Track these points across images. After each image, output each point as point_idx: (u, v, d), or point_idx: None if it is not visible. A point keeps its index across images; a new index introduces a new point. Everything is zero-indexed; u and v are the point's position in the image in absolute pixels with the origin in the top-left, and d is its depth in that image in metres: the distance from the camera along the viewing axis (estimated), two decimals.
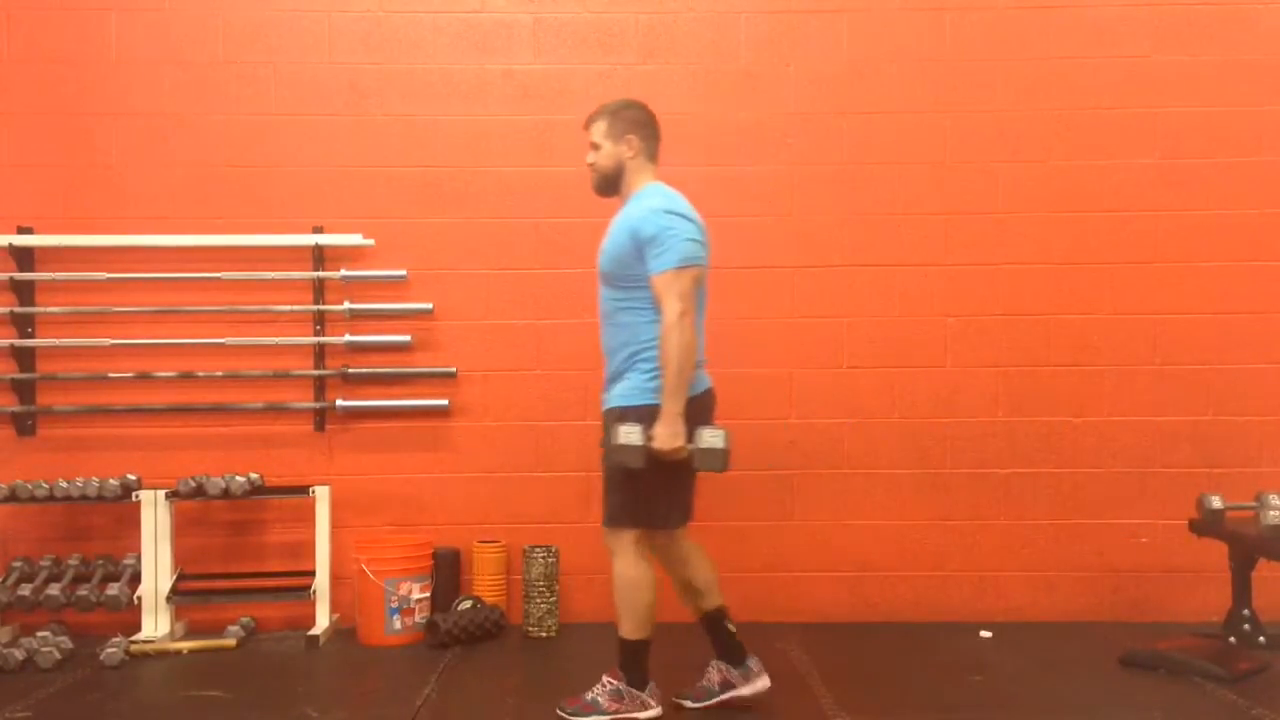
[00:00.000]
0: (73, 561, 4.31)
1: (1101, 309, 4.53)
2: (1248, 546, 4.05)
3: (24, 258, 4.42)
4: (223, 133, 4.49)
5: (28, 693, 3.57)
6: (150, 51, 4.48)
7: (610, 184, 3.39)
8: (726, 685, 3.37)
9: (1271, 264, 4.53)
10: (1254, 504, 4.05)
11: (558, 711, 3.31)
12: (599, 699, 3.28)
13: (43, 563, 4.30)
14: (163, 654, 4.04)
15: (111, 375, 4.40)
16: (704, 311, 3.33)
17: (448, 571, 4.40)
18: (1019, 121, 4.55)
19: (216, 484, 4.23)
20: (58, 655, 3.87)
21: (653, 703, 3.29)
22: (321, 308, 4.47)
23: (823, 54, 4.55)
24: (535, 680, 3.83)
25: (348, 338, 4.46)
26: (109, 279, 4.40)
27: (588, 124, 3.39)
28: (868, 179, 4.55)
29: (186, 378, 4.42)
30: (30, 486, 4.19)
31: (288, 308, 4.46)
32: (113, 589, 4.18)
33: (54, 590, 4.13)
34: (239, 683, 3.69)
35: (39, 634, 3.96)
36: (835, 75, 4.55)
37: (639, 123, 3.36)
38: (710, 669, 3.40)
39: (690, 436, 3.11)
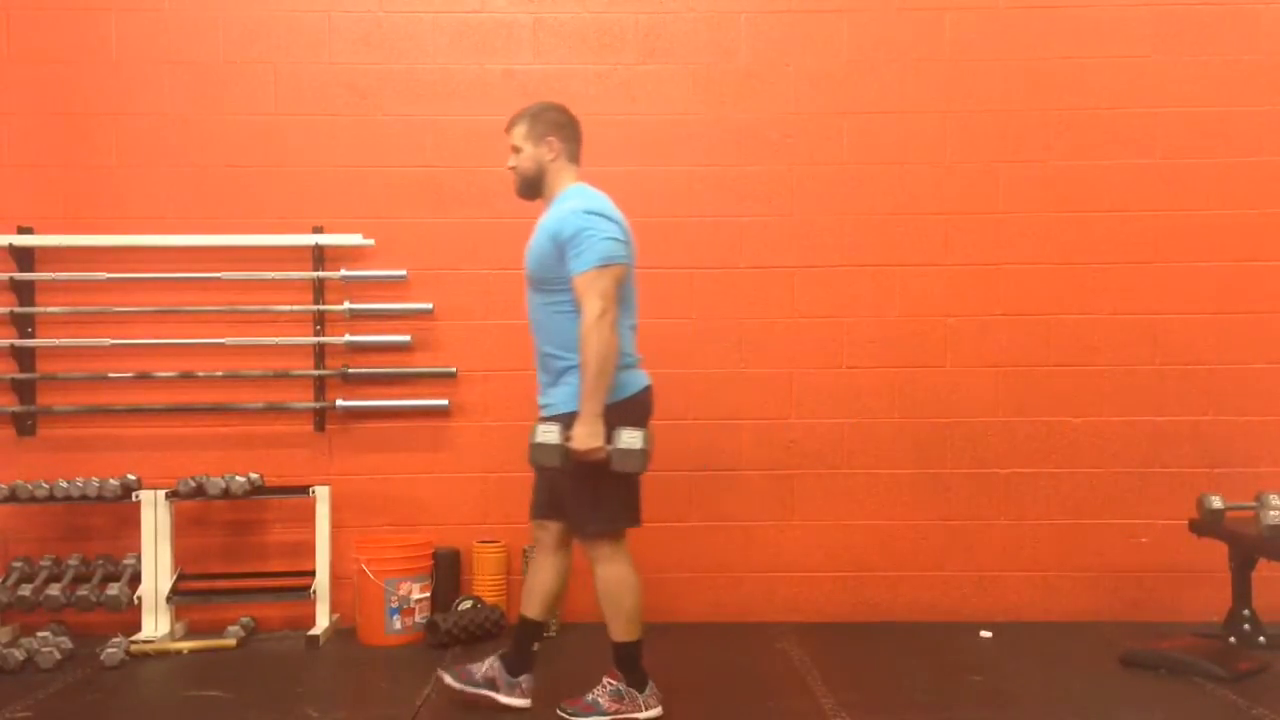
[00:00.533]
0: (73, 561, 4.31)
1: (1101, 309, 4.53)
2: (1248, 546, 4.05)
3: (24, 258, 4.42)
4: (223, 133, 4.49)
5: (28, 693, 3.57)
6: (150, 51, 4.48)
7: (533, 187, 3.39)
8: (490, 683, 3.36)
9: (1271, 264, 4.53)
10: (1254, 504, 4.05)
11: (558, 712, 3.31)
12: (599, 700, 3.28)
13: (43, 563, 4.30)
14: (163, 654, 4.04)
15: (111, 375, 4.40)
16: (634, 311, 3.36)
17: (448, 571, 4.40)
18: (1019, 121, 4.55)
19: (216, 484, 4.23)
20: (58, 655, 3.87)
21: (653, 702, 3.30)
22: (321, 308, 4.47)
23: (823, 54, 4.55)
24: (535, 680, 3.82)
25: (348, 338, 4.47)
26: (109, 279, 4.40)
27: (508, 128, 3.38)
28: (868, 179, 4.55)
29: (186, 378, 4.42)
30: (30, 486, 4.19)
31: (288, 308, 4.46)
32: (113, 589, 4.18)
33: (54, 590, 4.13)
34: (239, 683, 3.70)
35: (39, 634, 3.96)
36: (835, 75, 4.55)
37: (559, 125, 3.36)
38: (486, 662, 3.39)
39: (611, 437, 3.10)
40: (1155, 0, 4.54)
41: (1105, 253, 4.53)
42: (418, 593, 4.27)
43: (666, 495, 4.50)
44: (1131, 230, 4.54)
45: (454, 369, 4.49)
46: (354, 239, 4.46)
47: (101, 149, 4.47)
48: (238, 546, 4.47)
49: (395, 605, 4.21)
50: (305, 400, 4.47)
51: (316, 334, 4.47)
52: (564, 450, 3.10)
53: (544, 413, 3.29)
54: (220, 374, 4.44)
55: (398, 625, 4.22)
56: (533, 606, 3.42)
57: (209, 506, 4.42)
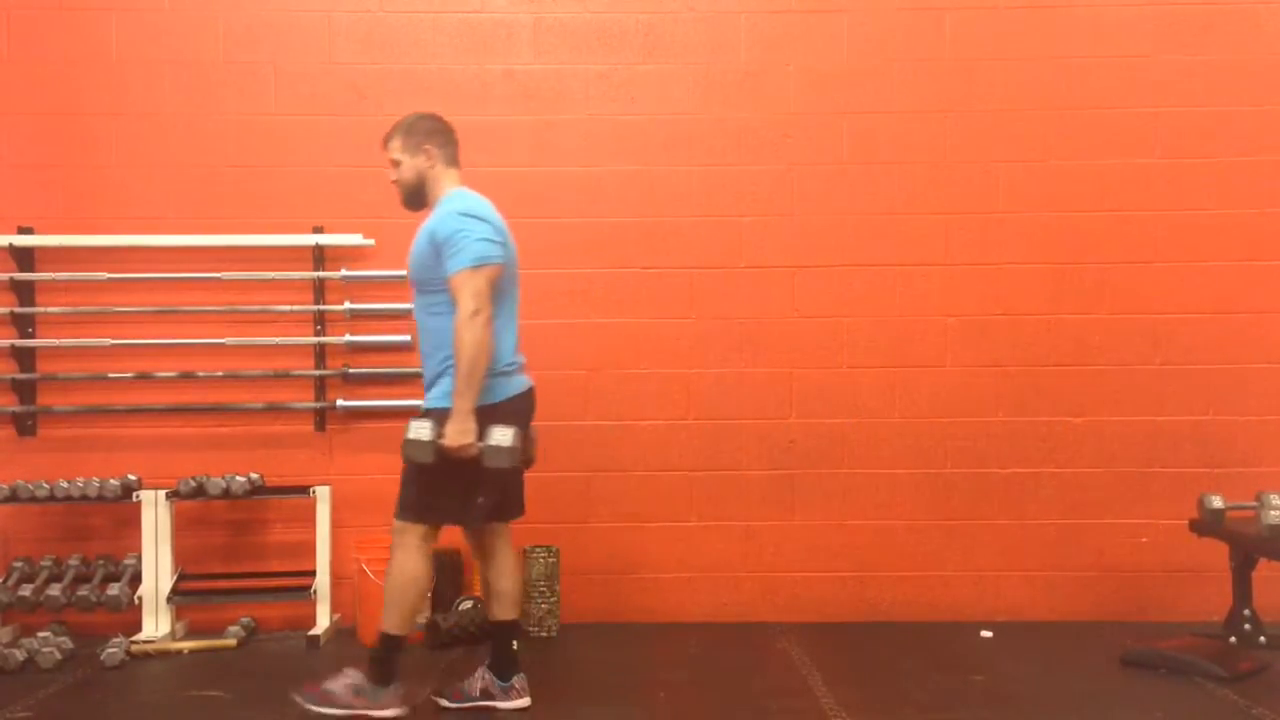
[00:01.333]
0: (73, 562, 4.31)
1: (1101, 309, 4.53)
2: (1248, 546, 4.05)
3: (24, 258, 4.42)
4: (223, 133, 4.48)
5: (28, 693, 3.57)
6: (150, 51, 4.48)
7: (417, 197, 3.42)
8: (486, 695, 3.38)
9: (1271, 264, 4.53)
10: (1254, 504, 4.04)
11: (292, 694, 3.29)
12: (337, 690, 3.24)
13: (43, 563, 4.30)
14: (163, 654, 4.04)
15: (111, 375, 4.40)
16: (514, 313, 3.38)
17: (448, 571, 4.40)
18: (1019, 121, 4.55)
19: (217, 484, 4.23)
20: (58, 655, 3.87)
21: (395, 703, 3.25)
22: (322, 308, 4.47)
23: (823, 54, 4.55)
24: (535, 680, 3.81)
25: (348, 338, 4.47)
26: (109, 279, 4.40)
27: (384, 143, 3.41)
28: (868, 179, 4.55)
29: (186, 378, 4.42)
30: (30, 486, 4.19)
31: (288, 308, 4.46)
32: (113, 589, 4.18)
33: (55, 590, 4.13)
34: (239, 683, 3.70)
35: (40, 634, 3.96)
36: (835, 75, 4.55)
37: (433, 132, 3.39)
38: (476, 675, 3.41)
39: (483, 434, 3.12)
40: (1155, 0, 4.54)
41: (1105, 253, 4.53)
42: None
43: (666, 495, 4.51)
44: (1131, 230, 4.54)
45: None
46: (354, 239, 4.46)
47: (101, 149, 4.47)
48: (238, 546, 4.47)
49: None
50: (305, 400, 4.47)
51: (317, 334, 4.47)
52: (436, 447, 3.12)
53: (424, 405, 3.32)
54: (220, 374, 4.44)
55: None
56: (503, 609, 3.44)
57: (209, 506, 4.42)
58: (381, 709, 3.23)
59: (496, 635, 3.45)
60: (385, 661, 3.26)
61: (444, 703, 3.41)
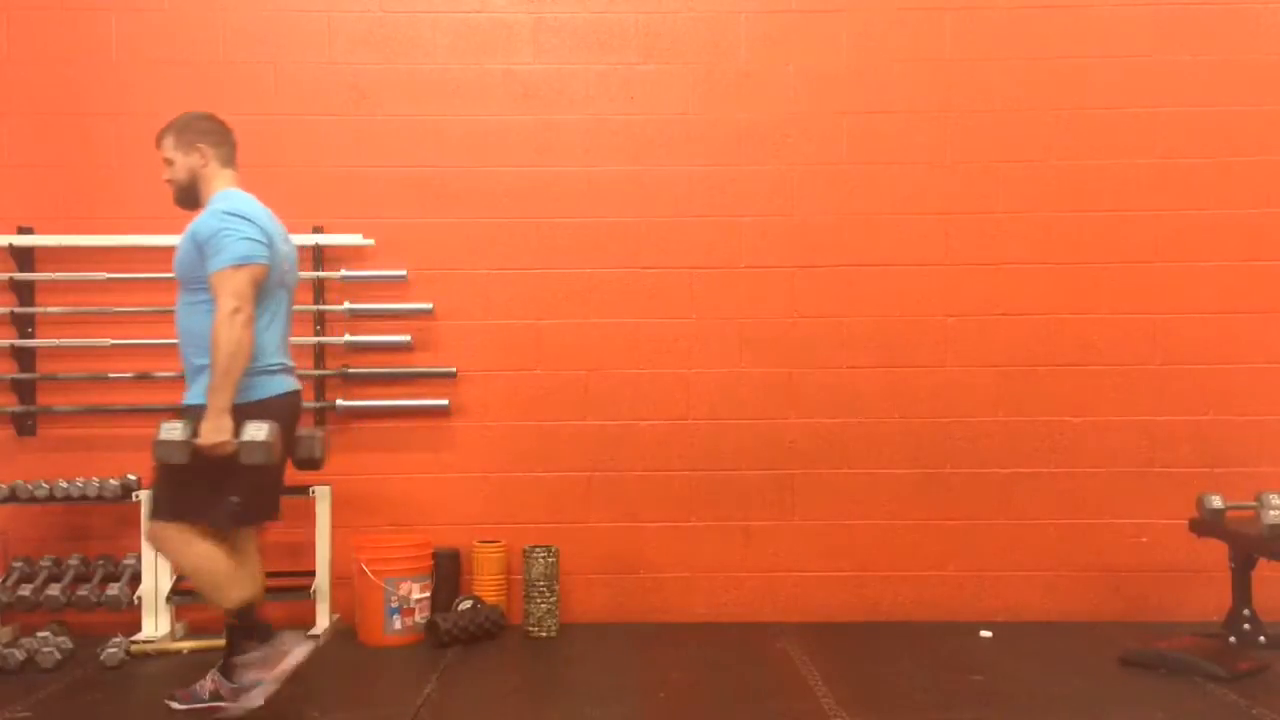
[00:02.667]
0: (73, 562, 4.31)
1: (1101, 309, 4.53)
2: (1248, 546, 4.05)
3: (24, 258, 4.43)
4: None
5: (28, 693, 3.57)
6: (150, 51, 4.48)
7: (189, 196, 3.39)
8: (215, 696, 3.35)
9: (1271, 264, 4.53)
10: (1254, 504, 4.04)
11: (166, 700, 3.35)
12: (204, 687, 3.31)
13: (43, 563, 4.30)
14: (163, 654, 4.05)
15: (111, 375, 4.40)
16: (284, 315, 3.37)
17: (448, 571, 4.41)
18: (1019, 121, 4.55)
19: None
20: (58, 655, 3.87)
21: (257, 695, 3.25)
22: (321, 308, 4.47)
23: (823, 54, 4.55)
24: (535, 680, 3.83)
25: (348, 338, 4.47)
26: (109, 279, 4.40)
27: (158, 142, 3.40)
28: (868, 179, 4.55)
29: None
30: (30, 486, 4.19)
31: None
32: (113, 589, 4.18)
33: (54, 590, 4.14)
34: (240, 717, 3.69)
35: (39, 634, 3.96)
36: (835, 75, 4.55)
37: (207, 132, 3.38)
38: (206, 677, 3.39)
39: (238, 431, 3.11)
40: (1155, 0, 4.54)
41: (1105, 253, 4.53)
42: (418, 593, 4.27)
43: (666, 495, 4.51)
44: (1131, 230, 4.54)
45: (454, 369, 4.49)
46: (354, 239, 4.46)
47: (101, 149, 4.47)
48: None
49: (395, 605, 4.21)
50: (305, 400, 4.45)
51: (316, 334, 4.47)
52: (190, 446, 3.10)
53: (183, 403, 3.30)
54: None
55: (398, 625, 4.22)
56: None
57: None
58: (242, 701, 3.24)
59: (228, 637, 3.40)
60: (248, 632, 3.26)
61: (174, 704, 3.39)
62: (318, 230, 4.46)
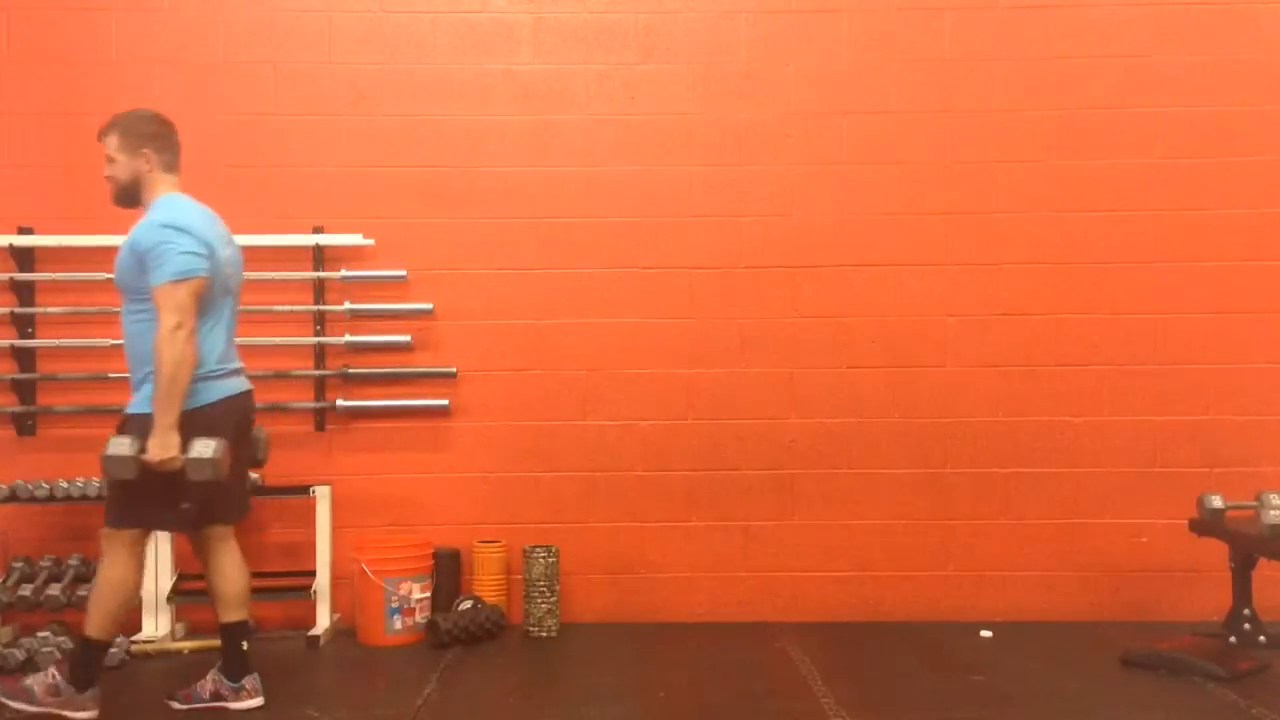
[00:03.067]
0: (73, 562, 4.31)
1: (1101, 309, 4.53)
2: (1248, 546, 4.05)
3: (24, 258, 4.43)
4: (223, 133, 4.48)
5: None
6: (150, 51, 4.48)
7: (129, 197, 3.37)
8: (216, 696, 3.39)
9: (1271, 264, 4.53)
10: (1254, 504, 4.04)
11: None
12: (34, 688, 3.26)
13: (43, 563, 4.29)
14: (163, 654, 4.05)
15: (111, 375, 4.39)
16: (228, 319, 3.36)
17: (448, 571, 4.40)
18: (1019, 121, 4.55)
19: None
20: (58, 655, 3.86)
21: (90, 705, 3.26)
22: (322, 308, 4.47)
23: (823, 54, 4.55)
24: (535, 680, 3.83)
25: (348, 338, 4.47)
26: (109, 279, 4.38)
27: (101, 136, 3.36)
28: (868, 179, 4.55)
29: None
30: (30, 486, 4.19)
31: (288, 308, 4.46)
32: None
33: (54, 590, 4.13)
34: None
35: (39, 634, 3.96)
36: (835, 75, 4.55)
37: (153, 135, 3.35)
38: (207, 677, 3.41)
39: (186, 447, 3.12)
40: (1155, 0, 4.54)
41: (1105, 253, 4.53)
42: (418, 593, 4.27)
43: (666, 495, 4.51)
44: (1131, 230, 4.54)
45: (454, 369, 4.49)
46: (354, 239, 4.46)
47: (101, 149, 4.45)
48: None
49: (395, 605, 4.21)
50: (305, 400, 4.47)
51: (316, 334, 4.47)
52: (137, 462, 3.12)
53: (124, 415, 3.32)
54: None
55: (398, 625, 4.22)
56: (230, 611, 3.43)
57: None
58: (76, 711, 3.24)
59: (224, 637, 3.44)
60: (86, 665, 3.27)
61: (175, 704, 3.40)
62: (318, 230, 4.46)
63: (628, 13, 4.55)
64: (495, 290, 4.53)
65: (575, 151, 4.55)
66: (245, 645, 3.42)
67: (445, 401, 4.48)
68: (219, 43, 4.50)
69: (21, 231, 4.41)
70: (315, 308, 4.46)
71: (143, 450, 3.12)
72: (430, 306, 4.50)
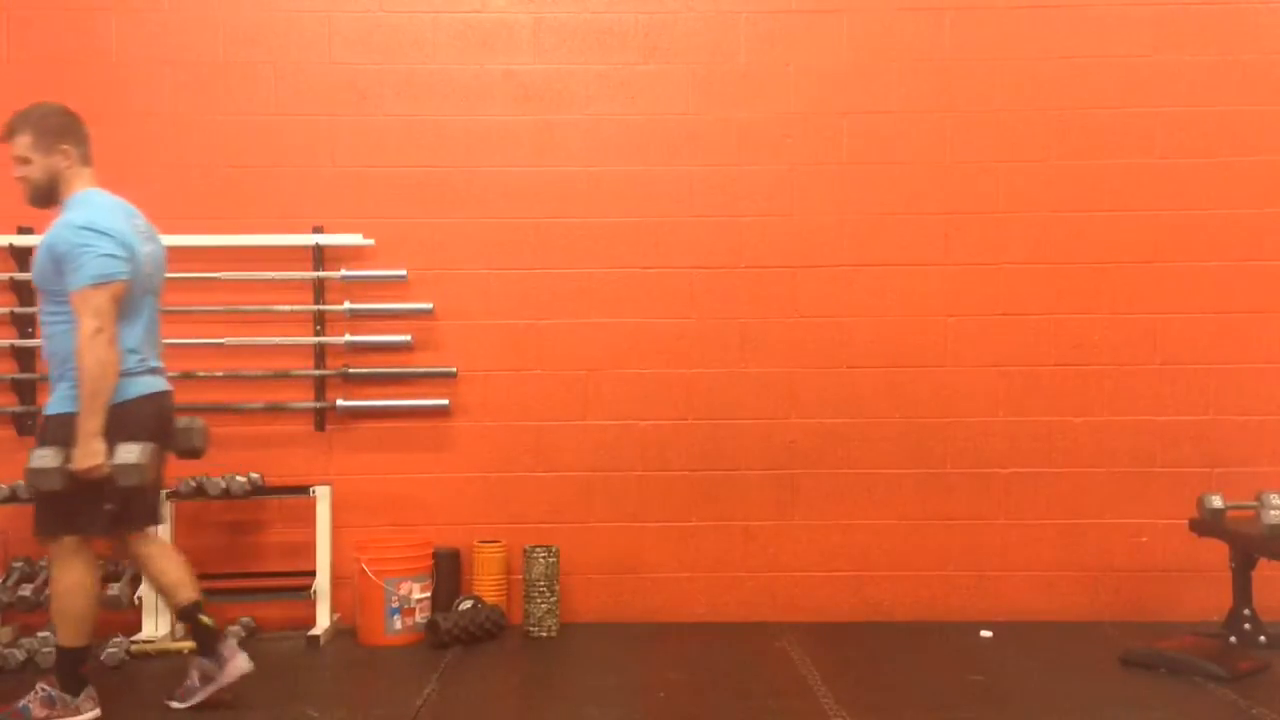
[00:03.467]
0: None
1: (1101, 309, 4.53)
2: (1248, 546, 4.05)
3: (24, 258, 4.42)
4: (223, 133, 4.49)
5: (29, 693, 3.55)
6: (150, 51, 4.48)
7: (46, 196, 3.32)
8: (206, 679, 3.36)
9: (1271, 264, 4.53)
10: (1254, 503, 4.05)
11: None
12: (30, 706, 3.23)
13: (43, 563, 4.27)
14: (164, 654, 4.04)
15: None
16: (150, 317, 3.32)
17: (448, 571, 4.40)
18: (1019, 121, 4.55)
19: (217, 484, 4.23)
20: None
21: (88, 706, 3.26)
22: (322, 308, 4.47)
23: (823, 54, 4.55)
24: (536, 680, 3.83)
25: (348, 338, 4.47)
26: None
27: (7, 137, 3.26)
28: (868, 179, 4.55)
29: (186, 378, 4.41)
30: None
31: (288, 308, 4.46)
32: (113, 589, 4.16)
33: None
34: (239, 683, 3.68)
35: (39, 634, 3.96)
36: (835, 75, 4.55)
37: (68, 131, 3.28)
38: (191, 668, 3.39)
39: (112, 451, 3.10)
40: (1155, 0, 4.54)
41: (1105, 253, 4.53)
42: (418, 593, 4.27)
43: (666, 495, 4.51)
44: (1131, 230, 4.54)
45: (454, 369, 4.49)
46: (354, 239, 4.46)
47: (101, 149, 4.44)
48: (238, 546, 4.47)
49: (395, 605, 4.21)
50: (305, 400, 4.47)
51: (317, 334, 4.47)
52: (63, 472, 3.10)
53: (42, 416, 3.30)
54: (220, 374, 4.44)
55: (398, 625, 4.22)
56: (180, 593, 3.38)
57: (209, 506, 4.42)
58: (77, 716, 3.23)
59: (185, 618, 3.41)
60: (72, 672, 3.25)
61: (176, 705, 3.38)
62: (318, 230, 4.46)
63: (628, 13, 4.55)
64: (495, 290, 4.53)
65: (575, 152, 4.55)
66: (207, 619, 3.36)
67: (445, 401, 4.48)
68: (219, 43, 4.50)
69: (21, 231, 4.41)
70: (315, 308, 4.46)
71: (68, 460, 3.09)
72: (430, 306, 4.50)
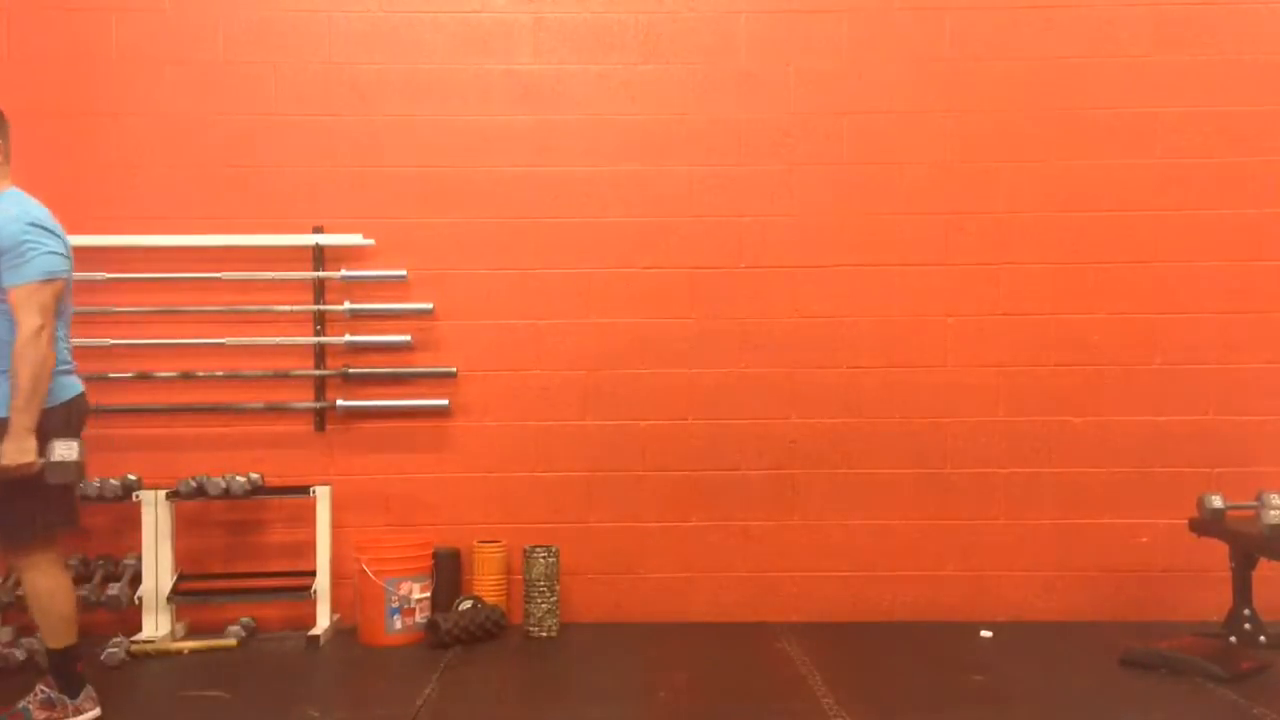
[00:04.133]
0: (73, 562, 4.30)
1: (1101, 309, 4.53)
2: (1248, 546, 4.05)
3: None
4: (223, 133, 4.49)
5: (29, 692, 3.55)
6: (151, 51, 4.48)
7: None
8: (48, 704, 3.26)
9: (1271, 264, 4.53)
10: (1254, 504, 4.04)
11: None
12: (30, 708, 3.22)
13: None
14: (164, 654, 4.05)
15: (111, 375, 4.40)
16: (67, 319, 3.30)
17: (448, 571, 4.40)
18: (1019, 121, 4.55)
19: (217, 484, 4.23)
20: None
21: (88, 705, 3.26)
22: (322, 308, 4.47)
23: (823, 54, 4.55)
24: (536, 680, 3.83)
25: (348, 338, 4.47)
26: (109, 279, 4.40)
27: None
28: (868, 179, 4.55)
29: (186, 378, 4.43)
30: None
31: (288, 308, 4.46)
32: (113, 589, 4.18)
33: None
34: (239, 683, 3.70)
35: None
36: (835, 75, 4.55)
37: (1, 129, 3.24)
38: (34, 692, 3.31)
39: (45, 449, 3.08)
40: (1155, 0, 4.54)
41: (1105, 253, 4.53)
42: (418, 593, 4.27)
43: (666, 495, 4.51)
44: (1131, 230, 4.54)
45: (454, 369, 4.49)
46: (354, 239, 4.46)
47: (102, 149, 4.47)
48: (238, 546, 4.47)
49: (396, 605, 4.21)
50: (305, 400, 4.47)
51: (317, 334, 4.47)
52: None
53: None
54: (220, 374, 4.44)
55: (398, 625, 4.22)
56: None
57: (209, 506, 4.42)
58: (78, 715, 3.23)
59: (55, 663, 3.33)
60: (68, 672, 3.25)
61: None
62: (318, 230, 4.46)
63: (628, 13, 4.55)
64: (495, 290, 4.53)
65: (575, 151, 4.55)
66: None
67: (445, 401, 4.49)
68: (219, 43, 4.50)
69: None
70: (315, 308, 4.46)
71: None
72: (430, 306, 4.50)
